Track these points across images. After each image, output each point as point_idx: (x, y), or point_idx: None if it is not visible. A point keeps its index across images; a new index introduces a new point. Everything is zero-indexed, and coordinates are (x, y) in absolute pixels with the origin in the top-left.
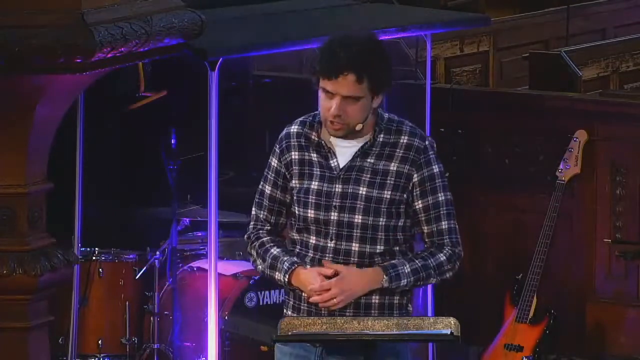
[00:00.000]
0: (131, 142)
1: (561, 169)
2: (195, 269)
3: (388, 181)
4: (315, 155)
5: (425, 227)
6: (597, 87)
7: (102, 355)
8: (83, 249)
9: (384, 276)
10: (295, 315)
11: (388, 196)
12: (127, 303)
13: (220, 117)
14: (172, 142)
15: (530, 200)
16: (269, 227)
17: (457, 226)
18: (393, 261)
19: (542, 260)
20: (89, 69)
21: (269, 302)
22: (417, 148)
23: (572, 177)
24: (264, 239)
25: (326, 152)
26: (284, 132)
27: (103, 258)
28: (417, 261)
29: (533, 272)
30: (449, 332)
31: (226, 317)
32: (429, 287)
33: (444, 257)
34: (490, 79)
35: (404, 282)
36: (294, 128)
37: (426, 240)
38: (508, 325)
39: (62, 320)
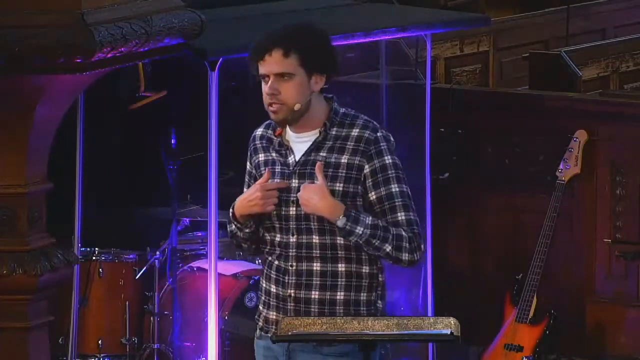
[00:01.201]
0: (131, 142)
1: (561, 169)
2: (195, 269)
3: (340, 173)
4: (275, 154)
5: (382, 220)
6: (597, 87)
7: (102, 355)
8: (83, 249)
9: (343, 213)
10: (265, 309)
11: (340, 188)
12: (127, 303)
13: (220, 117)
14: (172, 142)
15: (530, 200)
16: None
17: (417, 219)
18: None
19: (542, 260)
20: (89, 69)
21: None
22: (367, 139)
23: (572, 177)
24: None
25: (285, 150)
26: (252, 134)
27: (103, 258)
28: (379, 221)
29: (533, 272)
30: (449, 332)
31: (226, 317)
32: (429, 287)
33: (405, 235)
34: (490, 79)
35: (359, 229)
36: (259, 131)
37: None
38: (508, 325)
39: (62, 320)
